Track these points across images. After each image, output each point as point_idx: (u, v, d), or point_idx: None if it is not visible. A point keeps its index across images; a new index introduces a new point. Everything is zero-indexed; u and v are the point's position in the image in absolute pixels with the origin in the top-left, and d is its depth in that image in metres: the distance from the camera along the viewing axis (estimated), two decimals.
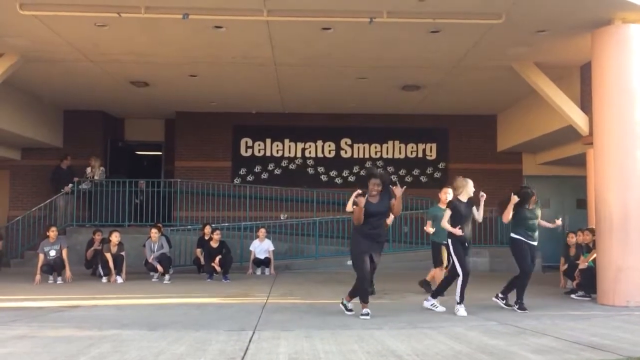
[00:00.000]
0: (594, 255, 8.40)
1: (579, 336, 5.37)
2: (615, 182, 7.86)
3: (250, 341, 5.04)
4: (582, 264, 8.67)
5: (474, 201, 7.16)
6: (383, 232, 6.71)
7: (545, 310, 7.09)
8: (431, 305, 7.15)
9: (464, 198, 7.12)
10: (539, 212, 7.42)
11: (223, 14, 8.19)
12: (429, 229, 8.71)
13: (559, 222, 7.61)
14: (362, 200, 6.44)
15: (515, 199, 7.17)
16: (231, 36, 9.15)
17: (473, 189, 7.20)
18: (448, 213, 7.03)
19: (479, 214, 7.16)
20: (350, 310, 6.72)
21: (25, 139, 13.36)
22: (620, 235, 7.72)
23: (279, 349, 4.76)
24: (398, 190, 6.43)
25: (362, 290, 6.54)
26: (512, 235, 7.36)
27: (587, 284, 8.38)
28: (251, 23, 8.50)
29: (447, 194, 8.28)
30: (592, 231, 8.86)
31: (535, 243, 7.33)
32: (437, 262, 8.59)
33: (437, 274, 8.54)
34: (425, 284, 8.82)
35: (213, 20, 8.42)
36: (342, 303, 6.83)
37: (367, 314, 6.40)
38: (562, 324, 6.15)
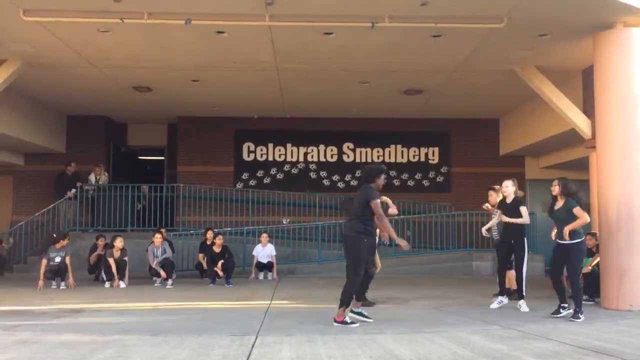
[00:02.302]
0: (597, 260, 8.38)
1: (582, 340, 5.36)
2: (618, 186, 7.86)
3: (253, 346, 5.04)
4: (586, 268, 8.64)
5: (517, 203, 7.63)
6: None
7: (548, 314, 7.06)
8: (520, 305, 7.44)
9: (506, 199, 7.72)
10: (562, 211, 6.97)
11: (225, 19, 8.23)
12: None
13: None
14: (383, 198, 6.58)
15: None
16: (233, 41, 9.18)
17: (506, 190, 7.71)
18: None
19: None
20: (368, 317, 6.32)
21: (28, 144, 13.41)
22: (624, 239, 7.71)
23: (281, 353, 4.76)
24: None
25: (353, 293, 6.22)
26: None
27: (590, 287, 8.35)
28: (253, 28, 8.53)
29: (490, 197, 8.86)
30: (595, 235, 8.84)
31: (563, 242, 6.90)
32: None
33: (508, 276, 8.52)
34: (512, 292, 8.45)
35: (215, 25, 8.46)
36: (343, 321, 6.08)
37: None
38: (565, 328, 6.14)
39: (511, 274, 8.48)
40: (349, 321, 6.07)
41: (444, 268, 13.15)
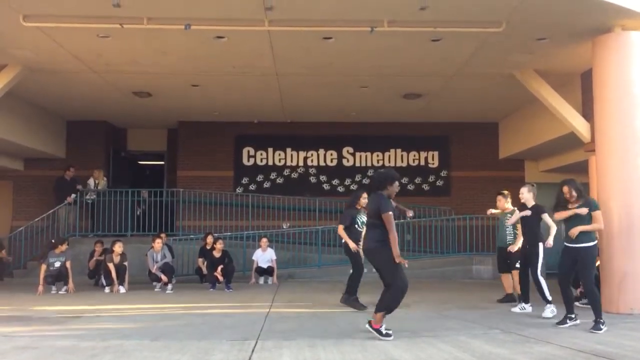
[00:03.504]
0: (597, 263, 8.36)
1: (583, 344, 5.35)
2: (617, 189, 7.87)
3: (253, 351, 5.03)
4: None
5: (532, 209, 7.65)
6: None
7: (549, 318, 7.05)
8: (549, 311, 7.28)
9: (527, 204, 7.75)
10: (578, 210, 6.44)
11: (225, 24, 8.24)
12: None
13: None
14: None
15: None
16: (233, 46, 9.20)
17: (522, 196, 7.76)
18: None
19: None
20: (390, 335, 5.60)
21: (28, 150, 13.41)
22: (624, 242, 7.72)
23: (282, 358, 4.75)
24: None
25: (400, 299, 5.73)
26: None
27: None
28: (252, 33, 8.54)
29: (499, 202, 8.83)
30: None
31: (573, 245, 6.42)
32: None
33: (509, 280, 8.69)
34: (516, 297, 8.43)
35: (215, 30, 8.48)
36: (378, 330, 5.61)
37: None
38: (566, 332, 6.13)
39: (508, 278, 8.64)
40: (383, 332, 5.57)
41: (443, 272, 13.15)
